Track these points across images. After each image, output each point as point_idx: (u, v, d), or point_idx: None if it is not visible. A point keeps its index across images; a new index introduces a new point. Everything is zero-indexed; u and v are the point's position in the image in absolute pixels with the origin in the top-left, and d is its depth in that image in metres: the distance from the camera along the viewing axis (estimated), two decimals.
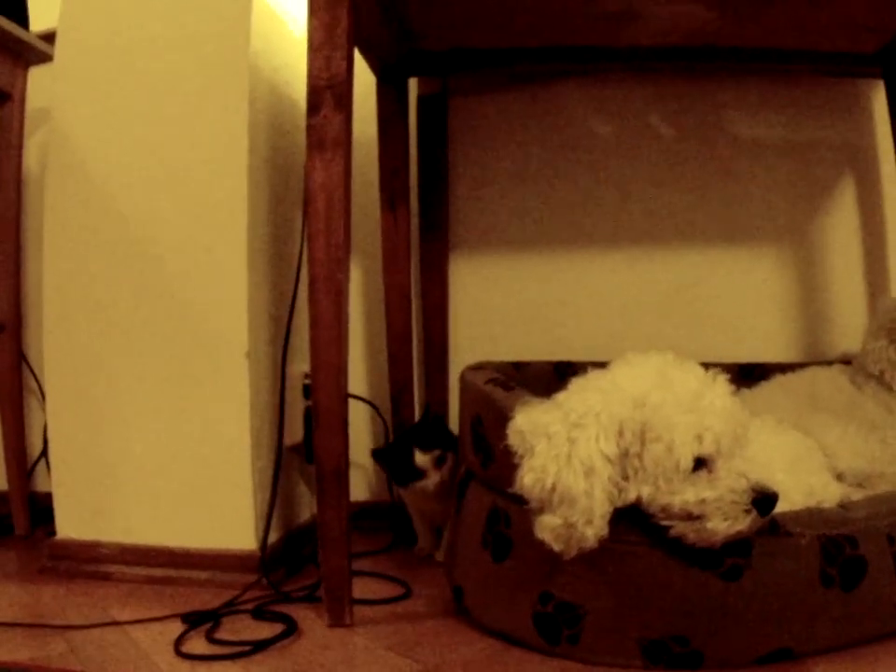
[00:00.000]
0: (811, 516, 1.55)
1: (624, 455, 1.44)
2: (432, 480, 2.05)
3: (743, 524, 1.41)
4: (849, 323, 2.34)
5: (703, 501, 1.41)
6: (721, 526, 1.40)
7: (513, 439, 1.49)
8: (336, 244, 1.67)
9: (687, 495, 1.41)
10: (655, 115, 2.36)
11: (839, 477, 1.88)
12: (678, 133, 2.37)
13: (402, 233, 2.31)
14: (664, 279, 2.35)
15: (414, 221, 2.39)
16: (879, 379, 2.01)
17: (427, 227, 2.40)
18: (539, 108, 2.41)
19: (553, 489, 1.41)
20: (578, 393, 1.51)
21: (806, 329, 2.33)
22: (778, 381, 2.10)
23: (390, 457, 2.13)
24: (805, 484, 1.72)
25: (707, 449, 1.41)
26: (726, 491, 1.41)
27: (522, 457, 1.46)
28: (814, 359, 2.28)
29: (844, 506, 1.64)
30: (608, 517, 1.41)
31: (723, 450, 1.42)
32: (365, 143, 2.28)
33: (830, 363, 2.18)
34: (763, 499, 1.41)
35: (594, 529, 1.40)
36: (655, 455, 1.42)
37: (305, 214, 1.70)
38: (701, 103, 2.38)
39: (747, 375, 2.16)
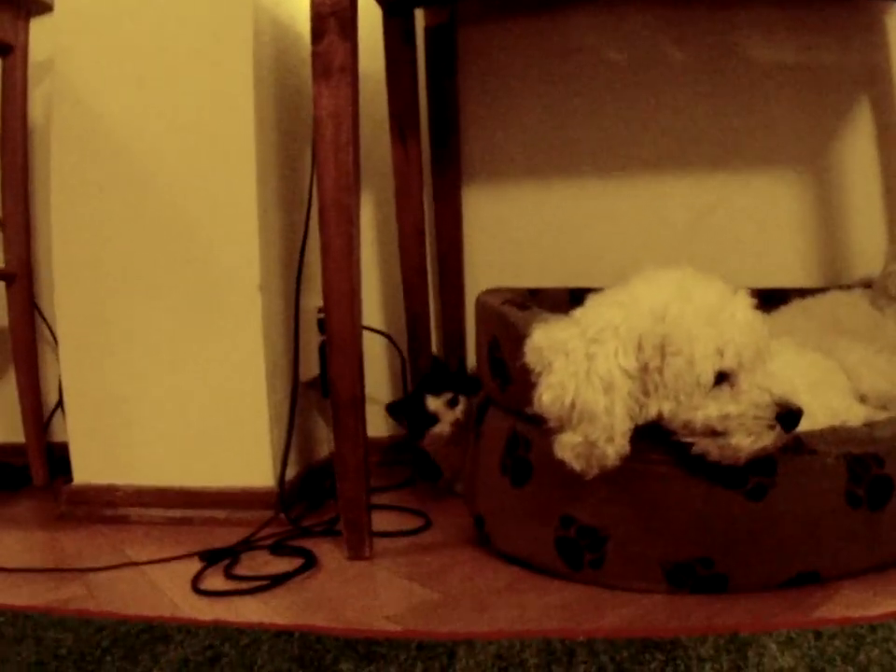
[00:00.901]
0: (836, 434, 1.51)
1: (644, 369, 1.41)
2: (447, 421, 2.04)
3: (768, 439, 1.38)
4: (869, 247, 2.30)
5: (726, 416, 1.38)
6: (745, 442, 1.38)
7: (531, 356, 1.46)
8: (345, 169, 1.65)
9: (710, 410, 1.39)
10: (668, 40, 2.32)
11: (862, 399, 1.85)
12: (692, 59, 2.33)
13: (414, 165, 2.28)
14: (681, 205, 2.31)
15: (426, 153, 2.35)
16: None
17: (439, 158, 2.37)
18: (548, 37, 2.37)
19: (573, 406, 1.39)
20: (595, 308, 1.48)
21: (827, 254, 2.30)
22: (799, 305, 2.07)
23: (405, 410, 2.15)
24: (827, 406, 1.68)
25: (728, 363, 1.38)
26: (749, 405, 1.38)
27: (540, 375, 1.44)
28: (834, 284, 2.24)
29: (869, 425, 1.60)
30: (629, 434, 1.39)
31: (746, 364, 1.39)
32: (374, 77, 2.25)
33: (850, 287, 2.14)
34: (788, 414, 1.37)
35: (615, 447, 1.37)
36: (676, 369, 1.39)
37: (314, 142, 1.66)
38: (715, 27, 2.33)
39: (767, 300, 2.09)
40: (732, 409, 1.38)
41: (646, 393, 1.42)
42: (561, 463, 1.42)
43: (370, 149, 2.28)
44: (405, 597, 1.52)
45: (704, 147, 2.35)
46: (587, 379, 1.38)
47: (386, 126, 2.27)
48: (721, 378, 1.39)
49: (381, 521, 1.86)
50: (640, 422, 1.41)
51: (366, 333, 2.05)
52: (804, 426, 1.45)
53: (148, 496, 2.00)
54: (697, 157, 2.35)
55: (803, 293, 2.12)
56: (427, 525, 1.89)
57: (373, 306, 2.45)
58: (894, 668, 1.12)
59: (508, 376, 1.62)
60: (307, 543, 1.78)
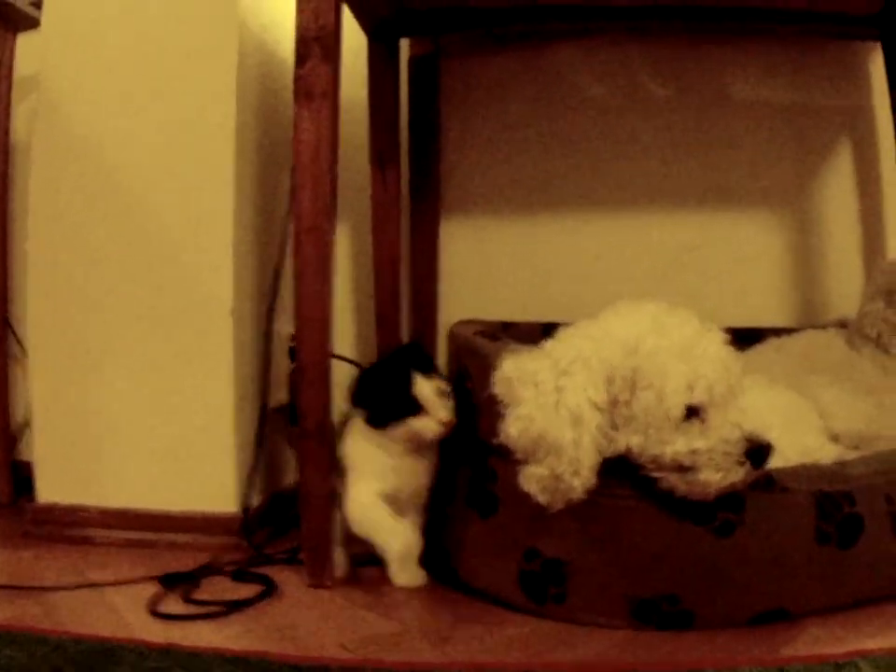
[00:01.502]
0: (807, 472, 1.51)
1: (614, 403, 1.40)
2: (436, 417, 1.62)
3: (737, 475, 1.37)
4: (846, 288, 2.29)
5: (695, 451, 1.37)
6: (714, 478, 1.36)
7: (500, 387, 1.45)
8: (322, 194, 1.64)
9: (678, 445, 1.37)
10: (652, 77, 2.32)
11: (835, 439, 1.84)
12: (675, 96, 2.32)
13: (392, 194, 2.26)
14: (660, 242, 2.30)
15: (405, 183, 2.33)
16: (876, 341, 1.98)
17: (418, 188, 2.35)
18: (532, 70, 2.36)
19: (540, 439, 1.37)
20: (567, 340, 1.47)
21: (804, 294, 2.29)
22: (774, 343, 2.06)
23: (375, 384, 1.70)
24: (799, 444, 1.67)
25: (699, 398, 1.37)
26: (719, 441, 1.37)
27: (508, 406, 1.42)
28: (811, 324, 2.23)
29: (841, 463, 1.60)
30: (596, 468, 1.38)
31: (716, 399, 1.38)
32: (356, 105, 2.23)
33: (826, 327, 2.13)
34: (757, 450, 1.36)
35: (581, 480, 1.36)
36: (646, 404, 1.38)
37: (293, 166, 1.66)
38: (698, 65, 2.32)
39: (743, 339, 2.08)
40: (701, 444, 1.37)
41: (615, 427, 1.40)
42: (527, 495, 1.41)
43: (348, 176, 2.21)
44: (363, 627, 1.50)
45: (685, 184, 2.34)
46: (555, 411, 1.37)
47: (366, 154, 2.25)
48: (692, 413, 1.38)
49: None
50: (609, 455, 1.40)
51: (336, 362, 2.03)
52: (775, 463, 1.44)
53: (113, 517, 1.96)
54: (678, 194, 2.34)
55: (778, 332, 2.12)
56: None
57: (346, 335, 2.41)
58: None
59: (474, 408, 1.60)
60: (269, 570, 1.75)
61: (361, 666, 1.30)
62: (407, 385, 1.63)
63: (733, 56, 2.32)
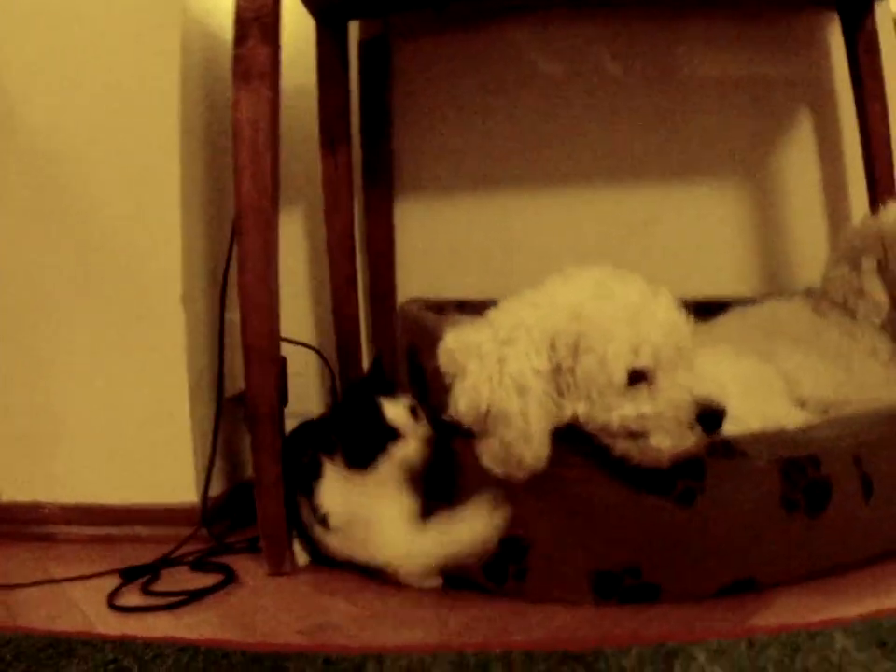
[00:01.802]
0: (770, 438, 1.47)
1: (558, 370, 1.37)
2: (416, 436, 1.53)
3: (688, 440, 1.33)
4: (811, 256, 2.27)
5: (642, 416, 1.34)
6: (665, 443, 1.33)
7: (443, 360, 1.42)
8: (263, 175, 1.62)
9: (626, 410, 1.35)
10: (605, 53, 2.30)
11: (802, 405, 1.81)
12: (629, 71, 2.31)
13: (343, 178, 2.23)
14: (618, 218, 2.28)
15: (357, 166, 2.31)
16: (843, 307, 1.94)
17: (371, 171, 2.33)
18: (483, 49, 2.34)
19: (488, 411, 1.34)
20: (509, 309, 1.45)
21: (768, 264, 2.28)
22: (738, 313, 2.03)
23: (343, 424, 1.58)
24: (763, 411, 1.64)
25: (643, 361, 1.34)
26: (667, 405, 1.33)
27: (454, 379, 1.39)
28: (777, 294, 2.20)
29: (805, 427, 1.58)
30: (547, 436, 1.35)
31: (664, 363, 1.35)
32: (307, 90, 2.22)
33: (792, 296, 2.10)
34: (709, 415, 1.33)
35: (532, 449, 1.33)
36: (587, 369, 1.35)
37: (233, 147, 1.64)
38: (652, 39, 2.31)
39: (707, 310, 2.07)
40: (648, 409, 1.34)
41: (561, 394, 1.37)
42: (484, 472, 1.38)
43: (300, 163, 2.26)
44: (322, 612, 1.48)
45: (641, 159, 2.32)
46: (500, 382, 1.34)
47: (317, 138, 2.23)
48: (638, 378, 1.34)
49: None
50: (557, 423, 1.37)
51: (295, 348, 2.01)
52: (739, 431, 1.43)
53: (73, 513, 1.94)
54: (635, 169, 2.33)
55: (743, 303, 2.09)
56: None
57: (303, 320, 2.39)
58: None
59: (426, 384, 1.57)
60: (229, 560, 1.74)
61: (315, 652, 1.27)
62: (377, 414, 1.53)
63: (687, 29, 2.30)
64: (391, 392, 1.56)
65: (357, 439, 1.53)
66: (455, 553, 1.45)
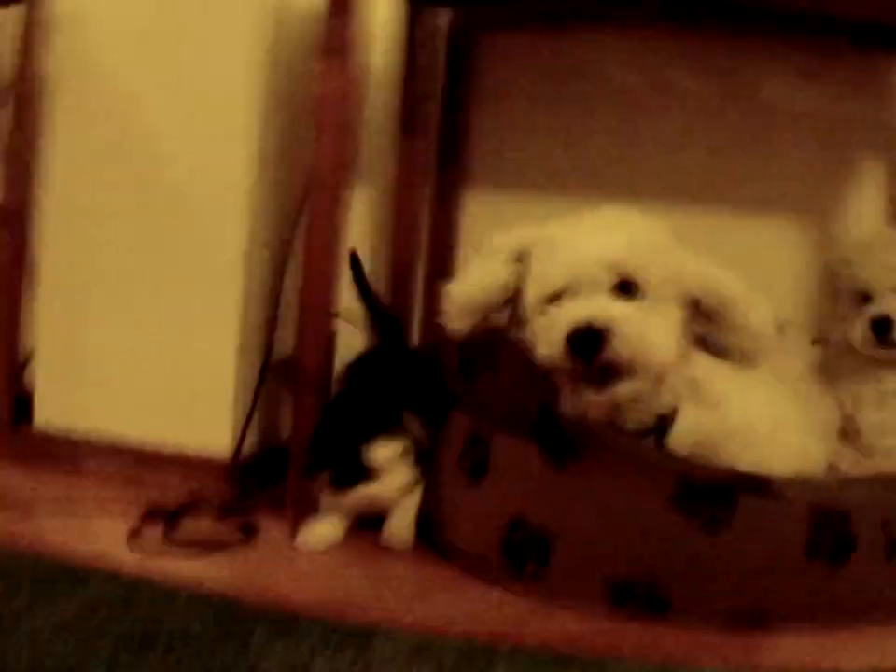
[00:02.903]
0: (804, 484, 1.47)
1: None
2: (391, 483, 1.59)
3: (558, 356, 1.33)
4: None
5: (538, 328, 1.37)
6: (541, 351, 1.36)
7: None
8: (339, 149, 1.65)
9: (533, 323, 1.38)
10: (682, 69, 2.28)
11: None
12: (705, 93, 2.28)
13: (418, 162, 2.24)
14: (679, 240, 2.26)
15: (431, 153, 2.31)
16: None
17: (445, 159, 2.32)
18: (567, 54, 2.32)
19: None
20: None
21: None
22: None
23: (322, 444, 1.62)
24: (789, 441, 1.63)
25: (555, 285, 1.37)
26: (551, 320, 1.35)
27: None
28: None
29: (841, 482, 1.58)
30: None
31: (576, 287, 1.36)
32: (387, 71, 2.23)
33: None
34: (579, 338, 1.31)
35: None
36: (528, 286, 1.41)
37: (314, 119, 1.65)
38: (734, 64, 2.27)
39: None
40: (541, 322, 1.37)
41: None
42: (518, 464, 1.43)
43: (377, 142, 2.25)
44: (339, 580, 1.50)
45: (707, 183, 2.30)
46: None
47: (397, 121, 2.25)
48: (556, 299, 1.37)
49: None
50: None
51: (345, 326, 2.01)
52: (765, 463, 1.45)
53: (106, 449, 1.97)
54: (699, 193, 2.30)
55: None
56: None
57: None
58: None
59: (474, 375, 1.59)
60: (255, 517, 1.75)
61: (327, 618, 1.28)
62: (358, 451, 1.58)
63: (766, 56, 2.26)
64: (383, 425, 1.59)
65: (336, 464, 1.59)
66: None
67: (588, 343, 1.30)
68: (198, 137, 1.93)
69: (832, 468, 1.72)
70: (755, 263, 2.13)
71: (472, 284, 1.48)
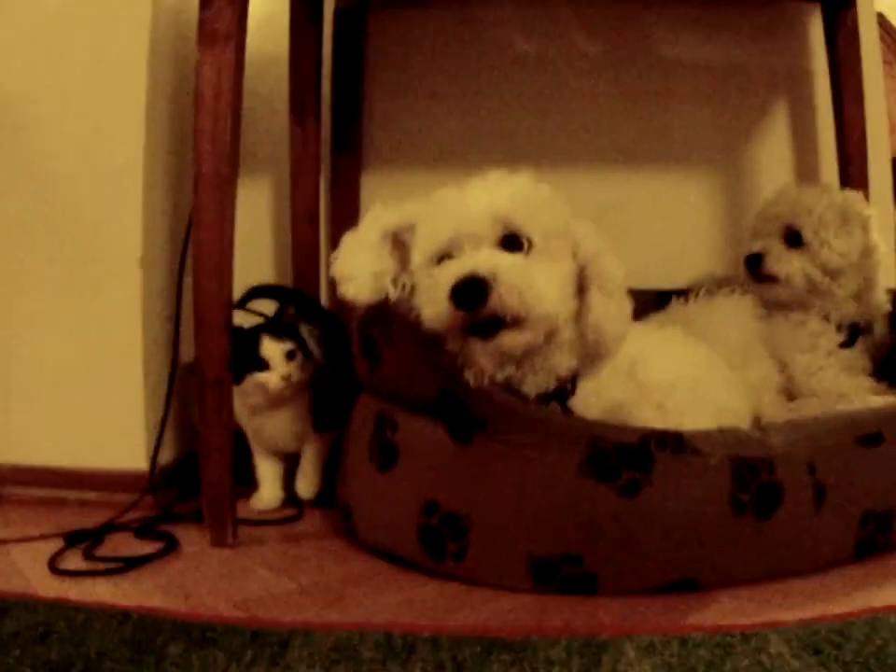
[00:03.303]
0: (724, 436, 1.44)
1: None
2: (277, 372, 1.81)
3: (442, 313, 1.31)
4: None
5: (419, 293, 1.37)
6: (425, 312, 1.34)
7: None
8: (223, 138, 1.60)
9: (419, 284, 1.38)
10: (581, 34, 2.28)
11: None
12: (604, 53, 2.29)
13: (311, 148, 2.21)
14: (585, 200, 2.20)
15: (326, 138, 2.29)
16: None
17: (339, 143, 2.30)
18: (459, 25, 2.31)
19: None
20: None
21: (735, 255, 2.21)
22: (678, 311, 2.00)
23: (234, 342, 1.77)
24: (711, 400, 1.62)
25: (437, 246, 1.37)
26: (437, 276, 1.34)
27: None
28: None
29: (761, 428, 1.54)
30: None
31: (458, 245, 1.35)
32: (278, 58, 2.19)
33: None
34: (460, 288, 1.29)
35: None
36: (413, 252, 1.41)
37: (194, 110, 1.62)
38: (629, 22, 2.28)
39: (665, 301, 2.06)
40: (425, 281, 1.36)
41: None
42: (427, 445, 1.42)
43: (268, 131, 2.24)
44: (258, 586, 1.47)
45: (612, 142, 2.30)
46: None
47: (287, 108, 2.21)
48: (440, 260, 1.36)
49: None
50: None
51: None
52: (686, 423, 1.43)
53: (24, 474, 1.93)
54: (604, 152, 2.31)
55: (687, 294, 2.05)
56: (298, 516, 1.84)
57: None
58: None
59: (377, 355, 1.56)
60: (174, 529, 1.73)
61: (243, 625, 1.26)
62: (256, 345, 1.81)
63: (664, 14, 2.28)
64: (278, 333, 1.84)
65: (239, 358, 1.73)
66: None
67: (471, 292, 1.28)
68: (85, 142, 1.90)
69: (755, 422, 1.71)
70: (664, 219, 2.14)
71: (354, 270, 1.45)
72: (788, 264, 1.92)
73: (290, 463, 1.96)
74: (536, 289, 1.30)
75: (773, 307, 1.98)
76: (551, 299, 1.33)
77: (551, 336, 1.37)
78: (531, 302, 1.29)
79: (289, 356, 1.83)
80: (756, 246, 1.95)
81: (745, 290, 2.00)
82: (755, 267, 1.95)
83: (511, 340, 1.32)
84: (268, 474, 1.94)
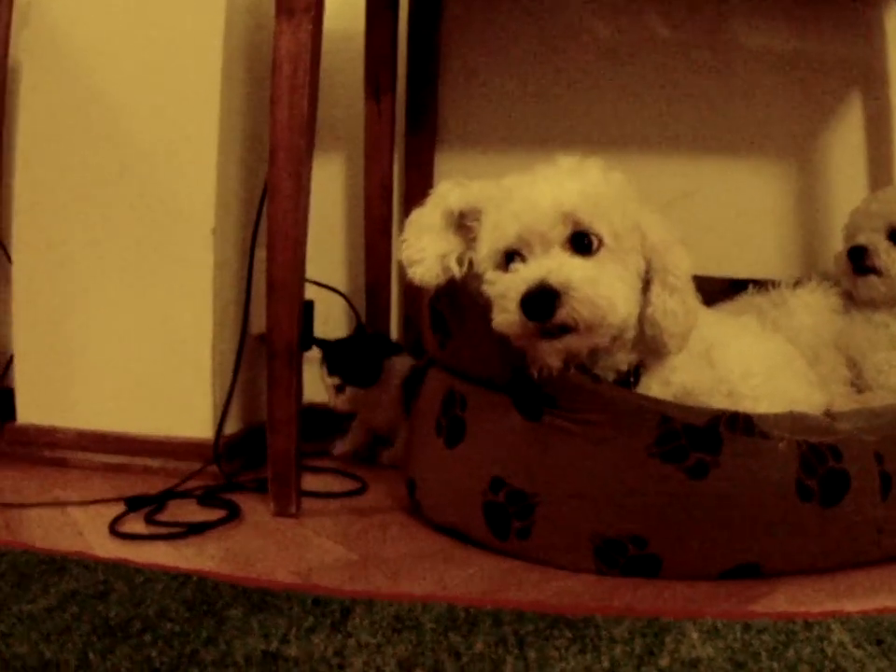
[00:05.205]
0: (793, 420, 1.41)
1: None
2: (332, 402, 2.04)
3: (514, 323, 1.30)
4: None
5: (492, 294, 1.35)
6: (497, 318, 1.33)
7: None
8: (299, 110, 1.60)
9: (489, 285, 1.37)
10: (657, 19, 2.25)
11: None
12: (680, 39, 2.27)
13: (386, 124, 2.22)
14: (659, 187, 2.23)
15: (400, 114, 2.29)
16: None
17: (414, 120, 2.30)
18: (534, 9, 2.30)
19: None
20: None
21: (809, 244, 2.22)
22: (746, 301, 2.00)
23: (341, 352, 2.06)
24: (784, 392, 1.59)
25: (506, 242, 1.35)
26: (505, 282, 1.32)
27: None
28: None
29: (830, 414, 1.52)
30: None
31: (527, 243, 1.33)
32: (356, 36, 2.21)
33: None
34: (531, 298, 1.27)
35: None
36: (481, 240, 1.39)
37: (271, 81, 1.62)
38: (707, 7, 2.26)
39: (735, 290, 2.04)
40: (497, 285, 1.34)
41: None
42: (495, 422, 1.41)
43: (344, 107, 2.26)
44: (320, 556, 1.47)
45: (686, 129, 2.29)
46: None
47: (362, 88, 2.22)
48: (514, 258, 1.35)
49: (316, 482, 1.85)
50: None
51: (324, 293, 1.99)
52: (759, 411, 1.39)
53: (88, 440, 1.95)
54: (678, 139, 2.29)
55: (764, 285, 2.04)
56: (362, 489, 1.84)
57: (336, 266, 2.38)
58: (825, 668, 1.04)
59: (448, 331, 1.55)
60: (237, 498, 1.73)
61: (305, 591, 1.25)
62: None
63: (744, 2, 2.24)
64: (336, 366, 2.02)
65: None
66: None
67: (542, 303, 1.27)
68: (162, 113, 1.91)
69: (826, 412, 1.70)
70: (735, 208, 2.12)
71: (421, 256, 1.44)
72: (890, 259, 1.93)
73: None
74: (607, 299, 1.29)
75: (859, 305, 2.00)
76: (622, 306, 1.32)
77: (617, 338, 1.37)
78: (602, 314, 1.29)
79: (338, 389, 2.02)
80: (861, 239, 1.96)
81: (829, 285, 2.01)
82: (858, 259, 1.95)
83: (578, 342, 1.32)
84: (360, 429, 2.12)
